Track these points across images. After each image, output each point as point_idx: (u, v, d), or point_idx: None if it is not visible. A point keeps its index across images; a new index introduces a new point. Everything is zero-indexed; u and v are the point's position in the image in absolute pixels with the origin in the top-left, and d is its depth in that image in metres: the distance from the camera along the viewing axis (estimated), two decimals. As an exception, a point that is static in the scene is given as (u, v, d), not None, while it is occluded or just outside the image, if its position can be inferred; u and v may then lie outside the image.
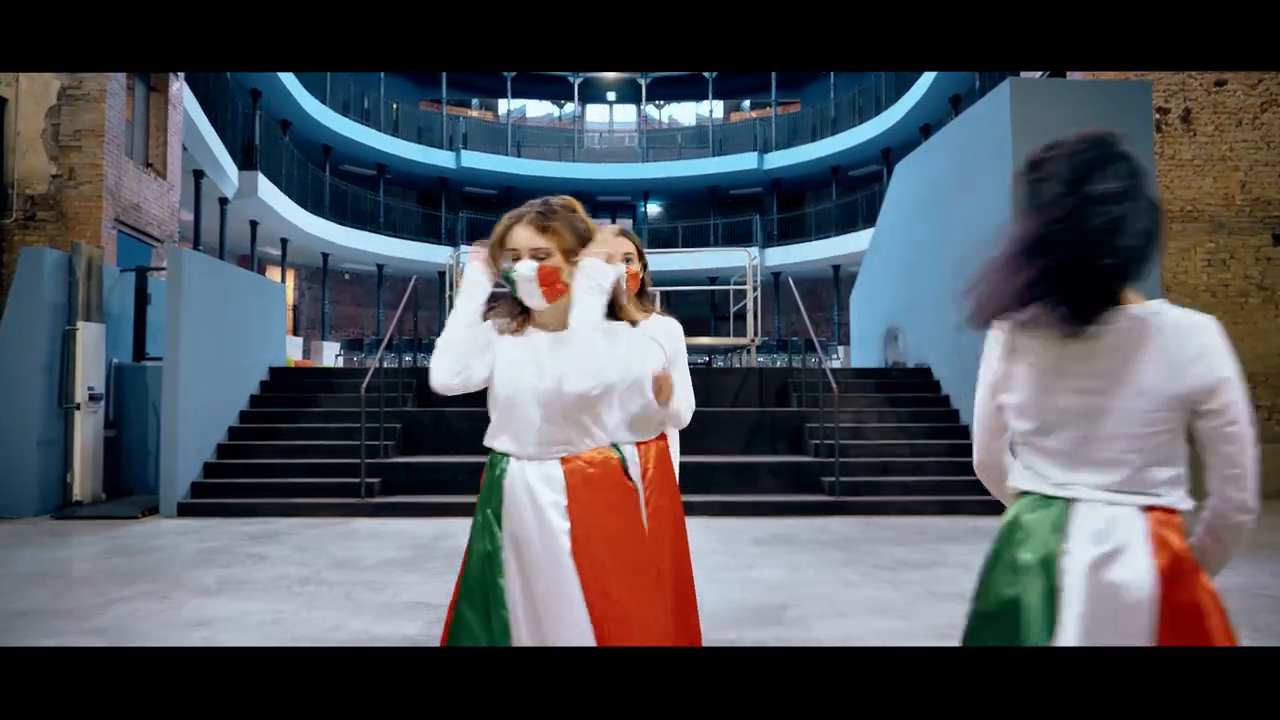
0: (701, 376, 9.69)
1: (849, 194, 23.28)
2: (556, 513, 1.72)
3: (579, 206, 1.86)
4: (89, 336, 7.82)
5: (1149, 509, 1.34)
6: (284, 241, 20.20)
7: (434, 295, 23.51)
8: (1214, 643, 1.33)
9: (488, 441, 1.86)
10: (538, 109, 29.69)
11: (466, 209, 25.60)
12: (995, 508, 6.06)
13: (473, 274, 1.86)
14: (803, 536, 6.39)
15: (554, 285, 1.78)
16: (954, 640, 1.66)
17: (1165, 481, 1.35)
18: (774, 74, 24.65)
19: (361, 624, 4.04)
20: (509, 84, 26.01)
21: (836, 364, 14.98)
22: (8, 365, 7.48)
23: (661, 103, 29.35)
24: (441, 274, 22.00)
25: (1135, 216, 1.36)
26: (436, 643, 1.90)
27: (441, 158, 24.32)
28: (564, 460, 1.77)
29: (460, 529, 6.62)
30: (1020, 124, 7.77)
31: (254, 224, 18.24)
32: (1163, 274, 8.16)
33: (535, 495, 1.74)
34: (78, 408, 7.69)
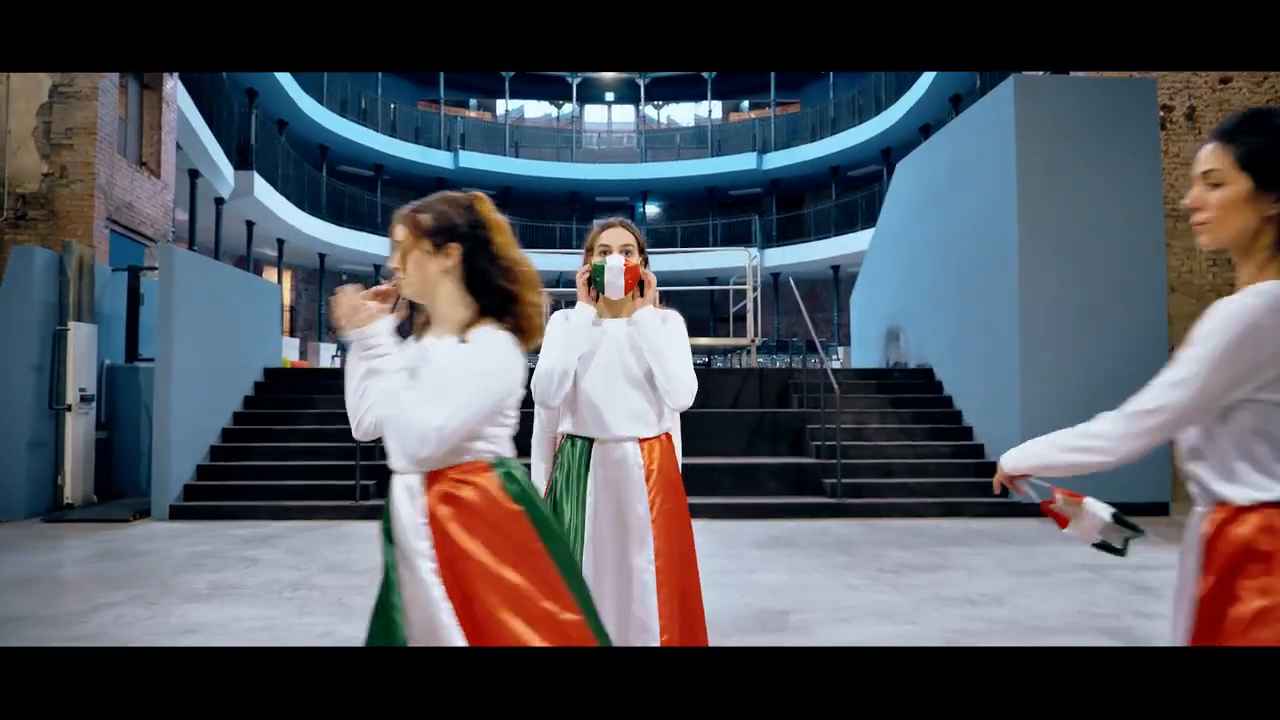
0: (702, 377, 9.53)
1: (848, 194, 23.19)
2: (417, 534, 1.62)
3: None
4: (80, 337, 7.72)
5: None
6: (280, 242, 20.08)
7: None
8: None
9: None
10: (536, 109, 29.59)
11: (464, 209, 25.48)
12: (998, 509, 5.98)
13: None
14: (804, 539, 6.29)
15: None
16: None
17: None
18: (773, 74, 24.57)
19: (352, 630, 3.93)
20: (507, 84, 25.92)
21: (836, 365, 14.90)
22: (-3, 366, 7.37)
23: (660, 103, 29.26)
24: (439, 275, 21.83)
25: None
26: None
27: (439, 158, 24.21)
28: (428, 476, 1.64)
29: (456, 532, 6.51)
30: (1024, 122, 7.68)
31: (250, 224, 18.12)
32: (1168, 273, 8.07)
33: (401, 512, 1.65)
34: (69, 409, 7.58)
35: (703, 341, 12.41)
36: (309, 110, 20.17)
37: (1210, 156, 1.41)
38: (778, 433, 8.65)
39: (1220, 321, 1.31)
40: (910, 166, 10.81)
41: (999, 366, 7.89)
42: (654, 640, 2.12)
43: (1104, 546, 1.66)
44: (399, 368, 1.68)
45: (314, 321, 23.11)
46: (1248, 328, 1.28)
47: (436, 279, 1.70)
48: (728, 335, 14.24)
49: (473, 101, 28.29)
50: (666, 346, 2.25)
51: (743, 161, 24.57)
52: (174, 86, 11.14)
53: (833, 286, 23.30)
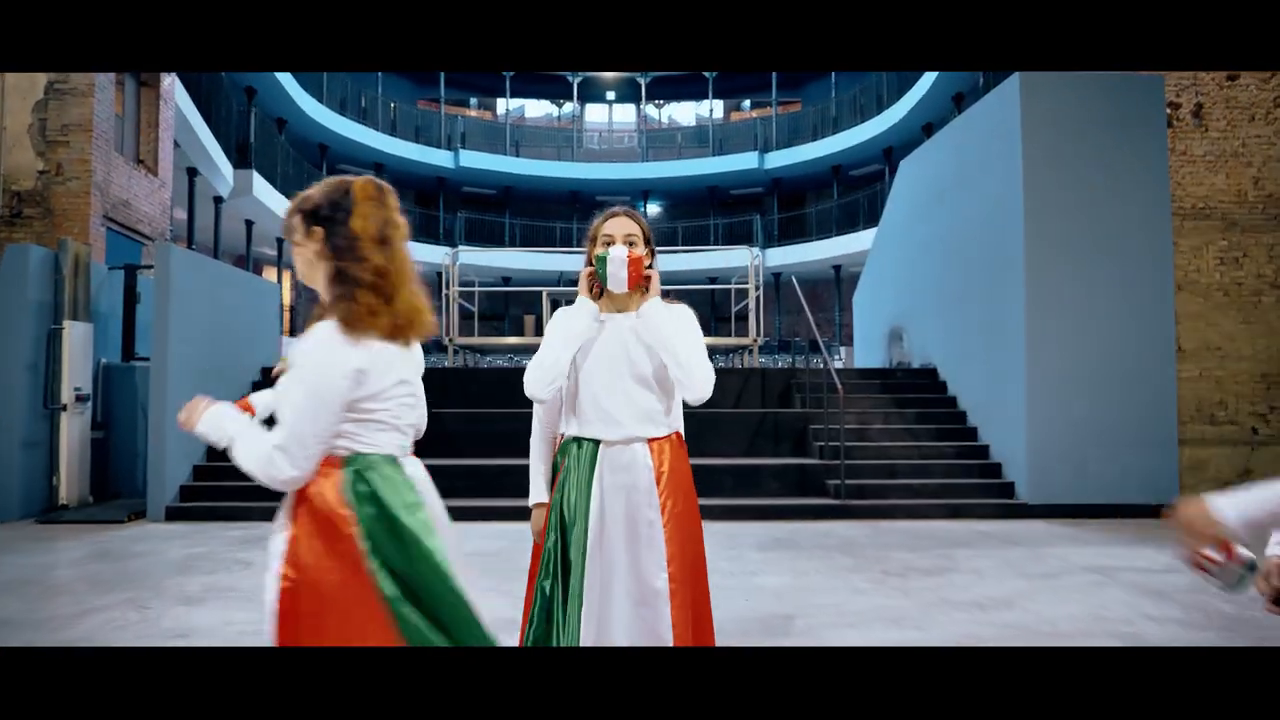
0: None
1: (850, 194, 23.10)
2: (277, 534, 1.63)
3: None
4: (76, 336, 7.63)
5: None
6: (280, 242, 19.99)
7: (431, 295, 23.28)
8: None
9: None
10: (536, 108, 29.51)
11: (465, 209, 25.41)
12: (1003, 511, 5.87)
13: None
14: (807, 541, 6.21)
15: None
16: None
17: None
18: (774, 73, 24.47)
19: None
20: (507, 83, 25.84)
21: (839, 365, 14.81)
22: (-9, 365, 7.28)
23: (661, 102, 29.17)
24: (439, 274, 21.80)
25: None
26: None
27: (439, 157, 24.13)
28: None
29: (455, 534, 6.42)
30: (1030, 119, 7.59)
31: (249, 224, 18.05)
32: (1175, 273, 7.98)
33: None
34: (64, 409, 7.49)
35: (704, 341, 12.30)
36: (308, 109, 20.09)
37: None
38: (780, 433, 8.56)
39: None
40: (913, 165, 10.72)
41: (1004, 366, 7.80)
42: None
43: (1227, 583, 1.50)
44: (247, 423, 1.68)
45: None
46: None
47: (311, 264, 1.68)
48: (729, 335, 14.14)
49: (473, 100, 28.20)
50: (677, 336, 2.14)
51: (744, 161, 24.49)
52: (172, 84, 11.06)
53: (834, 286, 23.21)
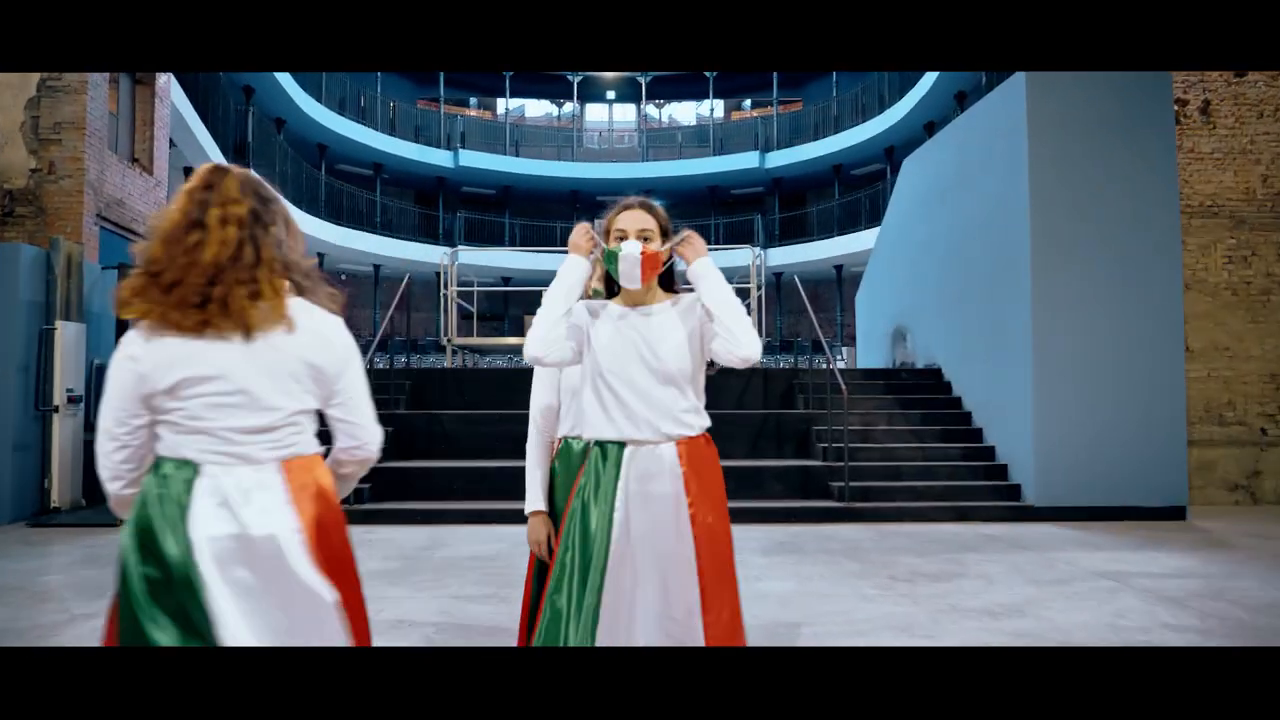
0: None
1: (851, 193, 22.99)
2: None
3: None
4: (68, 336, 7.53)
5: None
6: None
7: (431, 296, 23.21)
8: None
9: None
10: (536, 108, 29.40)
11: (464, 209, 25.29)
12: (1010, 514, 5.74)
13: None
14: (811, 545, 6.09)
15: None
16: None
17: None
18: (775, 72, 24.36)
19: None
20: (507, 83, 25.72)
21: (841, 365, 14.71)
22: (-18, 366, 7.17)
23: (661, 102, 29.06)
24: (438, 274, 21.71)
25: None
26: None
27: (439, 157, 24.01)
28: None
29: (452, 536, 6.32)
30: (1036, 117, 7.47)
31: (247, 223, 17.92)
32: (1182, 272, 7.86)
33: None
34: (56, 410, 7.39)
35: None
36: (307, 108, 19.97)
37: None
38: (783, 435, 8.45)
39: None
40: (917, 163, 10.61)
41: (1010, 367, 7.68)
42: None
43: None
44: None
45: (312, 322, 22.88)
46: None
47: None
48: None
49: (473, 100, 28.09)
50: (730, 293, 2.00)
51: (745, 160, 24.38)
52: (167, 81, 10.95)
53: (836, 286, 23.10)
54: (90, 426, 7.87)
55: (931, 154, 10.14)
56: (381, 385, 8.61)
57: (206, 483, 1.47)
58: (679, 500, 1.96)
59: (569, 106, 28.19)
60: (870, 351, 12.26)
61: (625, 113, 29.13)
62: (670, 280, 2.13)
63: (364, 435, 1.69)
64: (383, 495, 7.39)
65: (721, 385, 9.20)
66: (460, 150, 24.26)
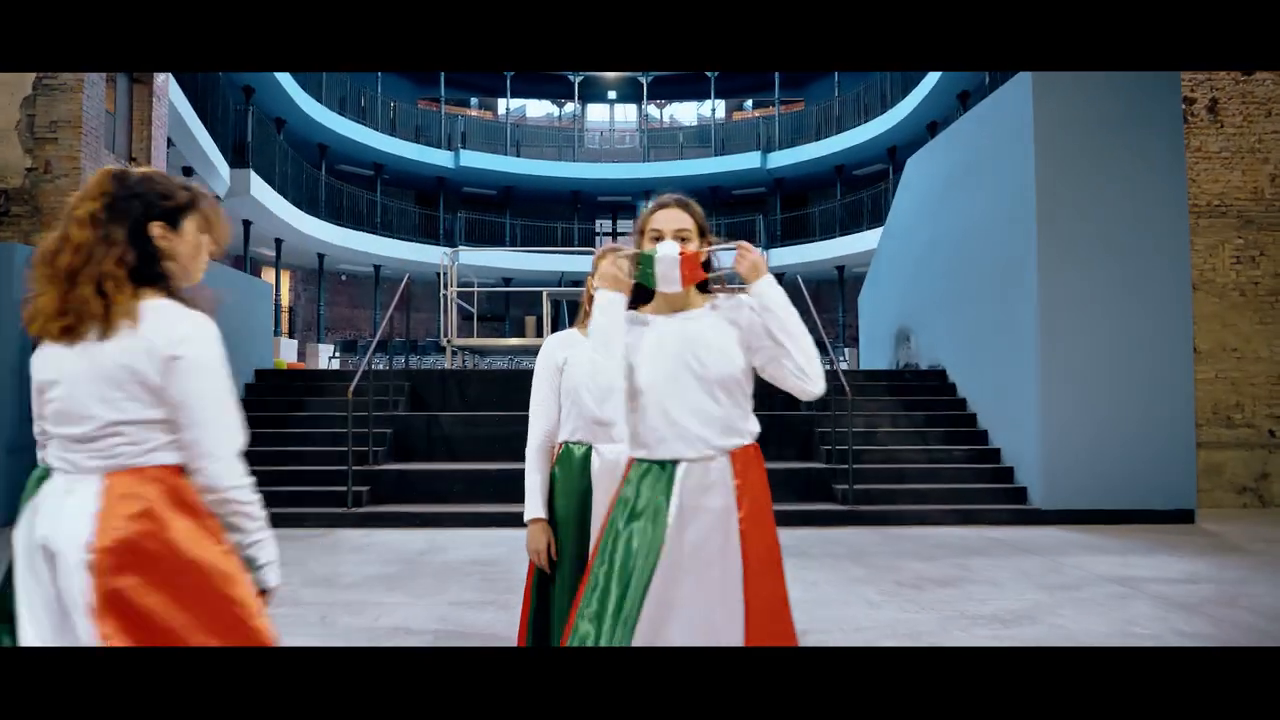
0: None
1: (854, 194, 22.91)
2: None
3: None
4: (63, 337, 7.44)
5: None
6: (278, 242, 19.83)
7: (431, 297, 23.13)
8: None
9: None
10: (537, 108, 29.34)
11: (465, 209, 25.22)
12: (1016, 517, 5.63)
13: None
14: (816, 549, 6.00)
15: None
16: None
17: None
18: (777, 72, 24.28)
19: (336, 653, 3.65)
20: (508, 83, 25.64)
21: (844, 366, 14.62)
22: (-24, 367, 7.10)
23: (663, 102, 28.98)
24: (439, 275, 21.64)
25: None
26: None
27: (440, 157, 23.95)
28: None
29: (451, 540, 6.23)
30: (1043, 117, 7.38)
31: (247, 224, 17.85)
32: (1190, 272, 7.77)
33: None
34: (51, 412, 7.30)
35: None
36: (308, 108, 19.90)
37: None
38: (785, 436, 8.36)
39: None
40: (920, 163, 10.52)
41: (1016, 368, 7.59)
42: None
43: None
44: None
45: (313, 322, 22.85)
46: None
47: None
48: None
49: (474, 100, 28.02)
50: (799, 322, 1.86)
51: (746, 161, 24.29)
52: (165, 80, 10.88)
53: (837, 288, 23.02)
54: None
55: (935, 154, 10.06)
56: (381, 386, 8.54)
57: (46, 487, 1.50)
58: (729, 513, 1.83)
59: (570, 107, 28.11)
60: (873, 352, 12.17)
61: (626, 113, 29.06)
62: (705, 281, 1.99)
63: (202, 460, 1.50)
64: (381, 498, 7.31)
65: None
66: (461, 150, 24.20)
